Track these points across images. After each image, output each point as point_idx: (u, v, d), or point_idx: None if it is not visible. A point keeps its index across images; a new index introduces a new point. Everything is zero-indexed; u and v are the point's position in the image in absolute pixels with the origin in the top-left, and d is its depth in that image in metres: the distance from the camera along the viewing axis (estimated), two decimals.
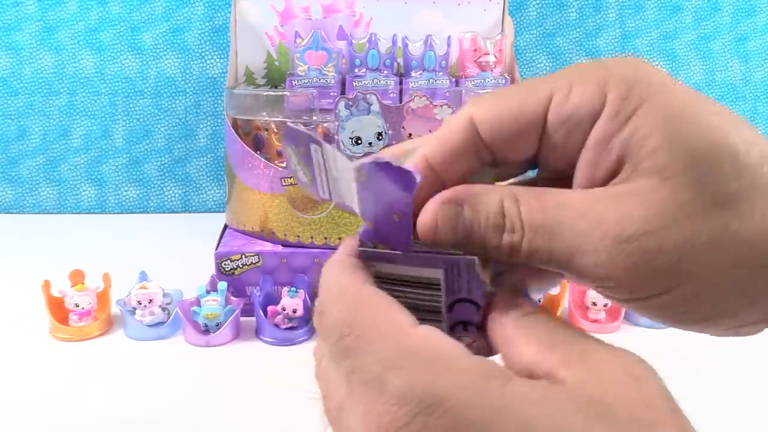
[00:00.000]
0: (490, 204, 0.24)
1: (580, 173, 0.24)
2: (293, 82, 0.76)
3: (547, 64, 1.06)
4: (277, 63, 0.84)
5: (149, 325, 0.66)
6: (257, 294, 0.68)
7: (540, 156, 0.25)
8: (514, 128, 0.24)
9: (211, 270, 0.70)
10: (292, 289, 0.66)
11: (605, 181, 0.23)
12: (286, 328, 0.65)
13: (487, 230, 0.23)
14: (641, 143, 0.22)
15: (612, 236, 0.22)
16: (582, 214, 0.22)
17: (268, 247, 0.71)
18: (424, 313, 0.25)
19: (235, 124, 0.78)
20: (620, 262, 0.22)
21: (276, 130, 0.76)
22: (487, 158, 0.25)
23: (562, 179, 0.25)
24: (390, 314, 0.22)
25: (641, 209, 0.22)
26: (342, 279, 0.24)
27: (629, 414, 0.19)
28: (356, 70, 0.77)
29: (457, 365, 0.20)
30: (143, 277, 0.69)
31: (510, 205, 0.23)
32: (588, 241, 0.22)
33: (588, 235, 0.22)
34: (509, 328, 0.23)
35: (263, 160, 0.72)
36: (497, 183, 0.26)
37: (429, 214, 0.24)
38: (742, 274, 0.22)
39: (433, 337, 0.21)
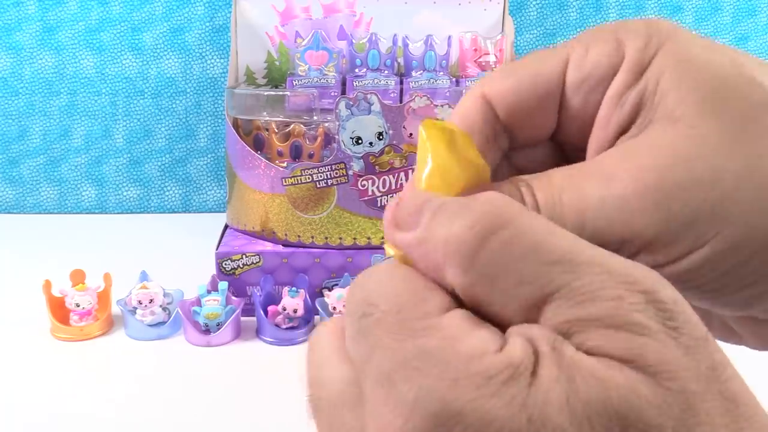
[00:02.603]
0: (504, 192, 0.20)
1: (593, 136, 0.22)
2: (294, 82, 0.76)
3: None
4: (277, 63, 0.84)
5: (150, 325, 0.66)
6: (258, 294, 0.68)
7: (560, 132, 0.23)
8: (531, 96, 0.22)
9: (212, 270, 0.70)
10: (293, 288, 0.66)
11: (616, 139, 0.21)
12: (286, 328, 0.65)
13: None
14: (654, 90, 0.20)
15: (624, 186, 0.19)
16: (588, 177, 0.20)
17: (268, 246, 0.71)
18: None
19: (236, 124, 0.78)
20: (641, 213, 0.19)
21: (276, 130, 0.76)
22: (504, 144, 0.23)
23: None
24: (416, 293, 0.18)
25: (650, 157, 0.19)
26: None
27: None
28: (357, 70, 0.77)
29: (479, 369, 0.16)
30: (144, 276, 0.69)
31: (525, 190, 0.20)
32: (601, 200, 0.19)
33: (600, 196, 0.19)
34: None
35: (264, 160, 0.72)
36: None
37: None
38: None
39: (459, 328, 0.17)
